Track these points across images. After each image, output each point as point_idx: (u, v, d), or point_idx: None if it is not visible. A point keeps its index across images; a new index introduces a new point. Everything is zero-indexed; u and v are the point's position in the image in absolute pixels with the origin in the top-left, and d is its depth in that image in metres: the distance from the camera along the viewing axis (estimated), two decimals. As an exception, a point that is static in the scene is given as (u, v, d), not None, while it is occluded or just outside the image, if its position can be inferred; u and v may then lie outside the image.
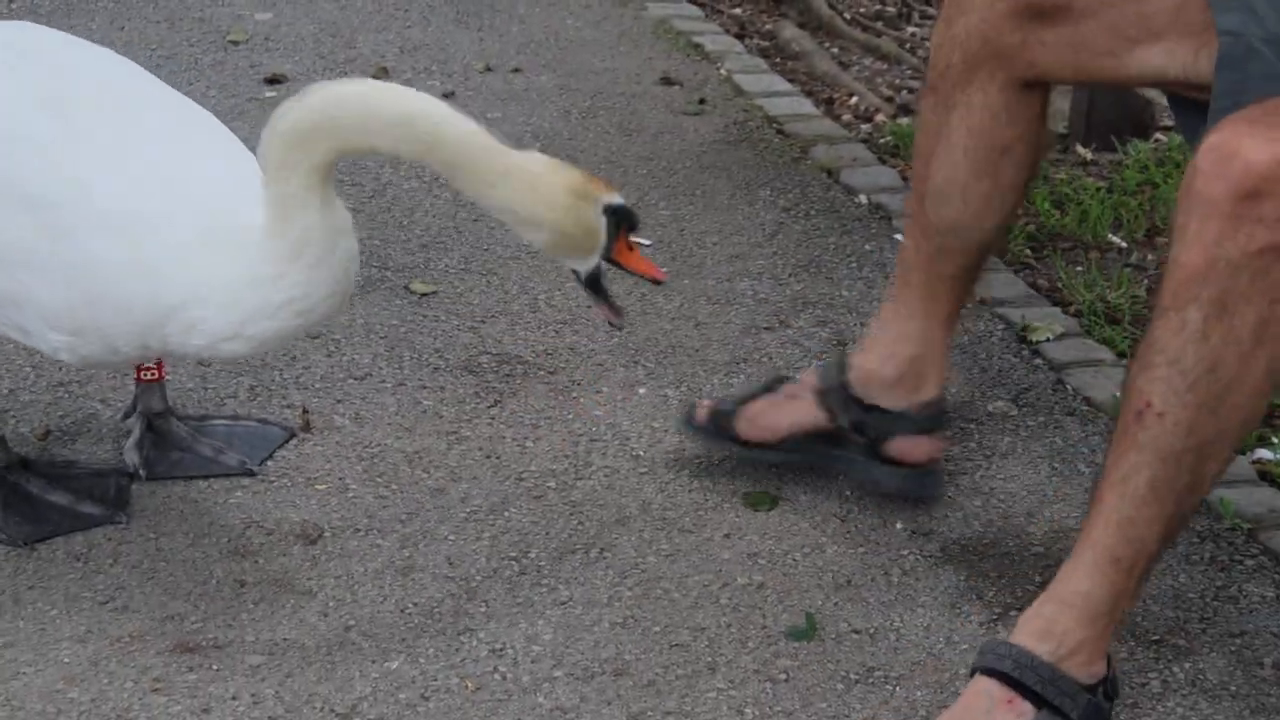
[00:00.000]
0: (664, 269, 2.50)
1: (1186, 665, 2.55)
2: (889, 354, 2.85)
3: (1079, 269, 3.77)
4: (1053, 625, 2.30)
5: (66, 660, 2.48)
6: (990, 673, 2.31)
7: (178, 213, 2.41)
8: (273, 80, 4.65)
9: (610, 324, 2.51)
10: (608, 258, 2.40)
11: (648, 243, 3.80)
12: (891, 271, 3.70)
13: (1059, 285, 3.71)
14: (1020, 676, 2.29)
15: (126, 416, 3.00)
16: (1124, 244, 3.91)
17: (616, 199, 2.37)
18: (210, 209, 2.43)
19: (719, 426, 2.94)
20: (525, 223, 2.34)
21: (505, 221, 2.37)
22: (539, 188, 2.31)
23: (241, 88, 4.59)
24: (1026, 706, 2.28)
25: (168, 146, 2.50)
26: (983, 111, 2.63)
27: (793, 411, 2.92)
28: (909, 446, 2.87)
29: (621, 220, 2.38)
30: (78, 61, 2.63)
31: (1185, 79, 2.41)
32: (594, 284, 2.43)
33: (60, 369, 3.20)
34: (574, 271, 2.43)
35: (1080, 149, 4.37)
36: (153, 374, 2.94)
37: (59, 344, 2.49)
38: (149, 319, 2.43)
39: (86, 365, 2.59)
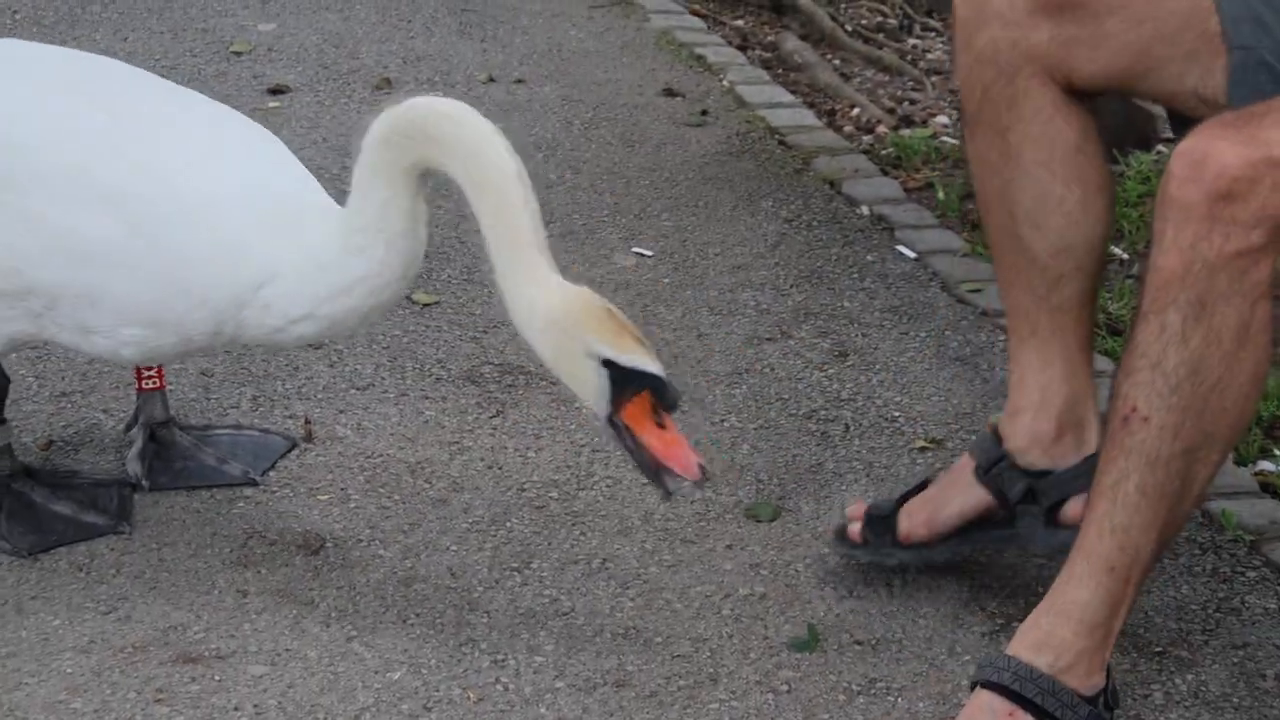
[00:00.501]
0: (698, 459, 2.24)
1: (1189, 677, 2.55)
2: (1041, 412, 2.62)
3: (1081, 280, 3.77)
4: (1050, 637, 2.30)
5: (69, 670, 2.48)
6: (990, 686, 2.31)
7: (249, 196, 2.44)
8: (276, 91, 4.66)
9: (658, 493, 2.29)
10: (611, 420, 2.24)
11: (649, 252, 3.81)
12: (893, 283, 3.71)
13: (1061, 297, 3.70)
14: (1020, 689, 2.28)
15: (129, 427, 3.00)
16: (1125, 255, 3.92)
17: (624, 358, 2.21)
18: (274, 190, 2.47)
19: (879, 535, 2.71)
20: (530, 338, 2.30)
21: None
22: (537, 317, 2.25)
23: (245, 98, 4.60)
24: (1028, 719, 2.28)
25: (214, 134, 2.53)
26: (1041, 118, 2.51)
27: (957, 500, 2.68)
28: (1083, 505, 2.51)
29: (634, 384, 2.21)
30: (95, 65, 2.67)
31: (1200, 92, 2.40)
32: (616, 434, 2.26)
33: (64, 379, 3.21)
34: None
35: (1082, 161, 4.37)
36: (154, 382, 2.94)
37: (130, 338, 2.50)
38: (228, 304, 2.45)
39: (145, 360, 2.61)
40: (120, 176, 2.43)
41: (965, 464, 2.70)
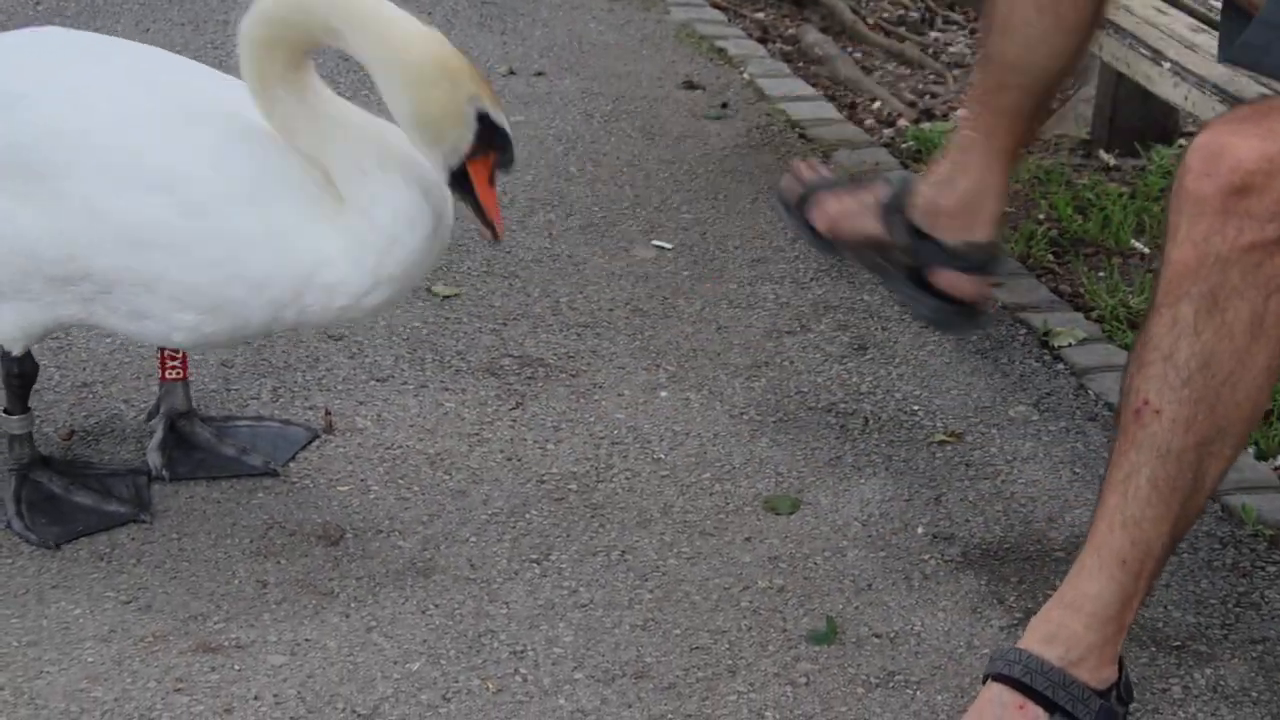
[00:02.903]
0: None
1: (1208, 671, 2.55)
2: (946, 183, 2.91)
3: (1101, 274, 3.77)
4: (1061, 630, 2.30)
5: (90, 659, 2.49)
6: (1001, 678, 2.31)
7: (287, 173, 2.48)
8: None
9: (481, 236, 2.48)
10: (460, 168, 2.38)
11: (669, 245, 3.81)
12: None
13: (1081, 290, 3.70)
14: (1030, 681, 2.28)
15: (150, 417, 3.01)
16: (1146, 249, 3.91)
17: (499, 115, 2.36)
18: (312, 176, 2.49)
19: (801, 209, 3.06)
20: (396, 88, 2.37)
21: (383, 90, 2.40)
22: (411, 48, 2.35)
23: (265, 90, 4.60)
24: (1039, 711, 2.28)
25: (247, 113, 2.54)
26: None
27: (857, 215, 3.01)
28: (955, 281, 2.94)
29: (494, 142, 2.37)
30: (134, 48, 2.72)
31: None
32: (457, 185, 2.42)
33: (85, 369, 3.22)
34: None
35: (1103, 154, 4.37)
36: (177, 373, 2.95)
37: (184, 324, 2.51)
38: (286, 291, 2.47)
39: (200, 347, 2.61)
40: (175, 163, 2.45)
41: (878, 189, 3.02)
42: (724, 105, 4.69)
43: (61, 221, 2.46)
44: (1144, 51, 3.39)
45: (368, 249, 2.45)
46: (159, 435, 2.94)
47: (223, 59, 4.85)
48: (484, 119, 2.37)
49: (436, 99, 2.35)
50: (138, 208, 2.44)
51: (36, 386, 2.79)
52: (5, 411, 2.79)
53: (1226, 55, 2.57)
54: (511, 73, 4.86)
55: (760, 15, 5.59)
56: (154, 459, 2.92)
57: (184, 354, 2.93)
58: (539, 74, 4.85)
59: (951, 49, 5.33)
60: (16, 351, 2.69)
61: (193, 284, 2.47)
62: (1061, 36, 2.74)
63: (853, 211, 3.02)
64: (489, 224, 2.44)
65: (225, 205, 2.44)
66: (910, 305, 3.03)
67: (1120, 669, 2.33)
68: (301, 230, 2.46)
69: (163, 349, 2.91)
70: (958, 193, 2.90)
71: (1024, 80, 2.80)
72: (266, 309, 2.49)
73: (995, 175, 2.89)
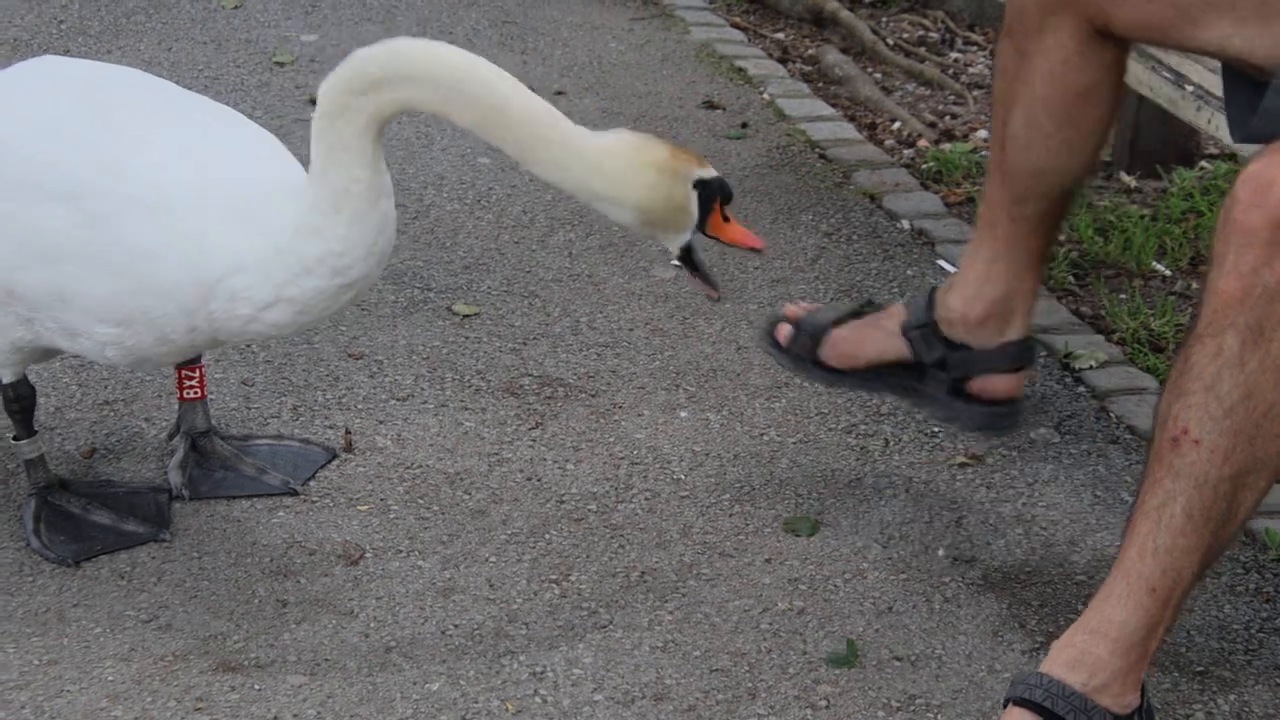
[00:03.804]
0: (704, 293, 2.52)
1: (1231, 697, 2.54)
2: (975, 295, 2.83)
3: (1123, 296, 3.76)
4: (1085, 655, 2.28)
5: (110, 679, 2.49)
6: (1023, 703, 2.30)
7: (209, 188, 2.45)
8: (317, 101, 4.67)
9: (708, 298, 2.53)
10: (702, 232, 2.40)
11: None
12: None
13: (1102, 313, 3.69)
14: (1052, 706, 2.27)
15: (171, 436, 3.02)
16: (1168, 272, 3.90)
17: (709, 172, 2.37)
18: (240, 181, 2.47)
19: (801, 348, 2.94)
20: (608, 203, 2.36)
21: (585, 202, 2.39)
22: (624, 169, 2.32)
23: (287, 109, 4.62)
24: (1060, 737, 2.27)
25: (190, 133, 2.53)
26: (1058, 58, 2.62)
27: (878, 341, 2.92)
28: (990, 383, 2.88)
29: (714, 193, 2.37)
30: (96, 70, 2.73)
31: (1246, 57, 2.41)
32: (687, 259, 2.44)
33: (106, 387, 3.22)
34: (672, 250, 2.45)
35: (1125, 176, 4.36)
36: (195, 392, 2.95)
37: (107, 338, 2.52)
38: (193, 297, 2.45)
39: (135, 364, 2.60)
40: (78, 172, 2.45)
41: (896, 312, 2.92)
42: (744, 125, 4.69)
43: None
44: (1166, 75, 3.39)
45: (278, 267, 2.42)
46: (179, 454, 2.95)
47: (244, 78, 4.88)
48: (700, 183, 2.37)
49: (667, 201, 2.35)
50: (41, 219, 2.46)
51: (58, 404, 2.80)
52: (14, 439, 2.80)
53: (1246, 133, 2.44)
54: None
55: (780, 35, 5.60)
56: (174, 478, 2.92)
57: (200, 373, 2.94)
58: (559, 93, 4.86)
59: (972, 70, 5.33)
60: (6, 378, 2.71)
61: (101, 294, 2.47)
62: (1082, 139, 2.69)
63: (872, 339, 2.92)
64: (713, 285, 2.47)
65: (127, 214, 2.43)
66: (956, 420, 2.93)
67: (1143, 695, 2.32)
68: (212, 234, 2.42)
69: (179, 368, 2.91)
70: (987, 301, 2.83)
71: (1048, 188, 2.74)
72: (178, 315, 2.47)
73: (1026, 281, 2.83)
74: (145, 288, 2.45)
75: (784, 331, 2.97)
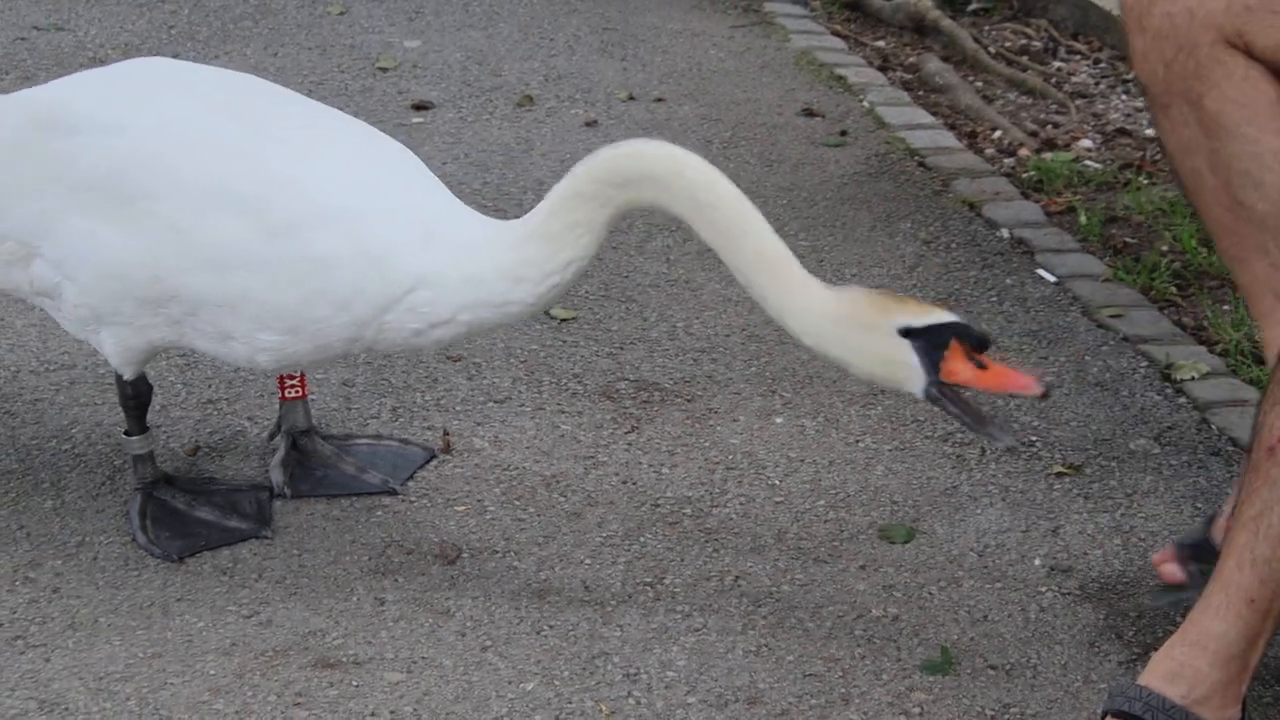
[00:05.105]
0: (1034, 374, 2.26)
1: (1332, 713, 2.51)
2: None
3: (1226, 308, 3.72)
4: (1184, 668, 2.26)
5: (212, 672, 2.53)
6: (1121, 715, 2.28)
7: (386, 199, 2.52)
8: (419, 107, 4.73)
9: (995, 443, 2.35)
10: (936, 382, 2.27)
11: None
12: (1032, 307, 3.67)
13: (1205, 324, 3.65)
14: (1152, 719, 2.25)
15: (272, 436, 3.06)
16: (1272, 283, 3.84)
17: (925, 319, 2.26)
18: (419, 202, 2.54)
19: (1206, 560, 2.51)
20: (824, 356, 2.35)
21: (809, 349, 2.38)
22: (832, 329, 2.30)
23: (389, 113, 4.67)
24: (1159, 750, 2.24)
25: (356, 151, 2.60)
26: (1233, 79, 2.44)
27: None
28: None
29: (945, 337, 2.25)
30: (241, 83, 2.74)
31: None
32: (937, 402, 2.29)
33: (210, 386, 3.28)
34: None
35: (1228, 186, 4.30)
36: (297, 392, 3.00)
37: (268, 344, 2.56)
38: (372, 309, 2.51)
39: (280, 367, 2.66)
40: (259, 187, 2.50)
41: None
42: (843, 133, 4.68)
43: (147, 244, 2.53)
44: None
45: (466, 293, 2.49)
46: (281, 453, 2.99)
47: (347, 83, 4.94)
48: (911, 332, 2.26)
49: (866, 357, 2.30)
50: (219, 230, 2.49)
51: (163, 403, 2.85)
52: (125, 433, 2.85)
53: None
54: (631, 98, 4.89)
55: (881, 44, 5.59)
56: (276, 476, 2.97)
57: (301, 373, 2.98)
58: (659, 100, 4.88)
59: (1075, 79, 5.29)
60: (128, 375, 2.76)
61: (276, 303, 2.52)
62: None
63: None
64: (973, 424, 2.29)
65: (310, 228, 2.48)
66: None
67: (1244, 709, 2.29)
68: (401, 251, 2.49)
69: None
70: None
71: None
72: (349, 327, 2.53)
73: None
74: (322, 298, 2.50)
75: (1172, 570, 2.63)
